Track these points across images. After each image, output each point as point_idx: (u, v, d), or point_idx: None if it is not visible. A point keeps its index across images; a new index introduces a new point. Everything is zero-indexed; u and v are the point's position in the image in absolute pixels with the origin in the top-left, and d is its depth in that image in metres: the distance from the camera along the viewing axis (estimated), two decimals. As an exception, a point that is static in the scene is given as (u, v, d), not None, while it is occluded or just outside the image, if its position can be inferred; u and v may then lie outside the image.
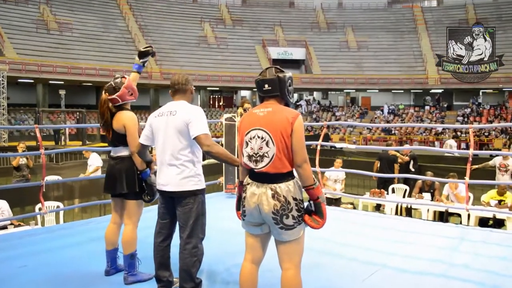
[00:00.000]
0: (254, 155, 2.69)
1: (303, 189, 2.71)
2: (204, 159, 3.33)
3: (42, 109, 23.60)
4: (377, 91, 37.03)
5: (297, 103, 37.49)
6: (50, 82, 28.80)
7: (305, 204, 2.72)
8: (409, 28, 39.09)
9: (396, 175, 8.89)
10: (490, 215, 6.92)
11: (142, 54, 3.90)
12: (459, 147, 23.76)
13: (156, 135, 3.21)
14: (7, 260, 4.07)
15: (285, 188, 2.64)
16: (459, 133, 27.35)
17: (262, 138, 2.67)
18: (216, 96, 40.30)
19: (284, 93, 2.77)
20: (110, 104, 3.56)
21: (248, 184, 2.75)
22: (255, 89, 2.86)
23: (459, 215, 7.49)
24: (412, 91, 37.65)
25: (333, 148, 15.81)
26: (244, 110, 6.74)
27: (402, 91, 37.11)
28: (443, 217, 7.54)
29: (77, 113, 26.15)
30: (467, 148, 21.98)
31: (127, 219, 3.58)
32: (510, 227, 6.71)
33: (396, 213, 7.91)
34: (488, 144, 26.44)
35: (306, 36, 38.88)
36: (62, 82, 28.81)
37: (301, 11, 41.87)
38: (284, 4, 42.41)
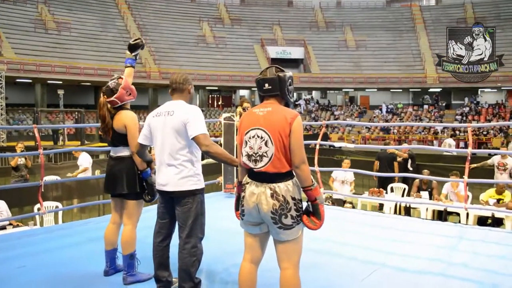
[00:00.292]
0: (254, 154, 2.69)
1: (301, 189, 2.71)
2: (203, 158, 3.32)
3: (40, 109, 23.59)
4: (375, 90, 37.07)
5: (296, 103, 37.51)
6: (49, 82, 28.77)
7: (304, 204, 2.73)
8: (408, 27, 39.12)
9: (396, 174, 8.88)
10: (488, 214, 6.93)
11: (133, 47, 3.87)
12: (457, 146, 23.78)
13: (154, 135, 3.21)
14: (6, 260, 4.06)
15: (284, 187, 2.64)
16: (457, 132, 27.38)
17: (261, 137, 2.67)
18: (215, 96, 40.30)
19: (284, 92, 2.77)
20: (109, 106, 3.56)
21: (247, 183, 2.75)
22: (254, 89, 2.88)
23: (458, 214, 7.49)
24: (410, 90, 37.68)
25: (332, 148, 15.83)
26: (243, 109, 6.74)
27: (401, 90, 37.14)
28: (441, 216, 7.54)
29: (76, 113, 26.13)
30: (466, 147, 22.02)
31: (126, 219, 3.57)
32: (508, 226, 6.71)
33: (395, 212, 7.91)
34: (486, 143, 26.47)
35: (304, 35, 38.90)
36: (61, 82, 28.78)
37: (299, 10, 41.87)
38: (283, 3, 42.41)
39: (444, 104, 34.94)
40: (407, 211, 8.02)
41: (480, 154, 11.19)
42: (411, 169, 9.54)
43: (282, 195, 2.62)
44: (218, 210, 5.67)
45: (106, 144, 3.71)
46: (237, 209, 2.90)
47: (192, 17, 38.43)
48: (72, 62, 29.28)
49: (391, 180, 9.05)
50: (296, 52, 38.11)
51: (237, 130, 6.11)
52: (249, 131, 2.74)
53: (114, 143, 3.60)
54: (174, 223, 3.26)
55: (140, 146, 3.33)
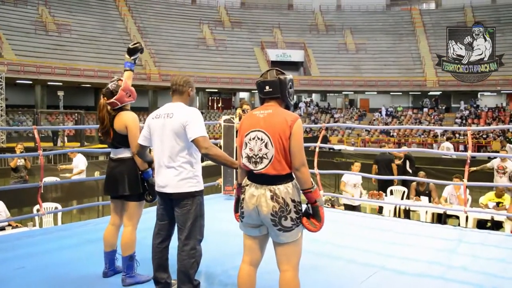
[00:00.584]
0: (254, 156, 2.69)
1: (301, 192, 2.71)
2: (202, 160, 3.32)
3: (40, 110, 23.60)
4: (375, 93, 37.11)
5: (296, 105, 37.54)
6: (49, 83, 28.79)
7: (304, 206, 2.73)
8: (408, 30, 39.18)
9: (395, 176, 8.87)
10: (488, 217, 6.93)
11: (132, 51, 3.87)
12: (457, 149, 23.78)
13: (153, 137, 3.21)
14: (5, 261, 4.06)
15: (284, 190, 2.64)
16: (457, 135, 27.38)
17: (261, 139, 2.67)
18: (215, 98, 40.33)
19: (284, 95, 2.78)
20: (109, 108, 3.56)
21: (247, 185, 2.75)
22: (254, 91, 2.88)
23: (457, 217, 7.50)
24: (410, 93, 37.72)
25: (331, 150, 15.83)
26: (243, 111, 6.74)
27: (401, 93, 37.18)
28: (441, 219, 7.54)
29: (76, 114, 26.13)
30: (465, 150, 22.01)
31: (127, 221, 3.57)
32: (508, 229, 6.71)
33: (395, 215, 7.91)
34: (486, 146, 26.48)
35: (304, 38, 38.94)
36: (61, 83, 28.81)
37: (299, 13, 41.93)
38: (283, 6, 42.48)
39: (444, 108, 34.96)
40: (407, 214, 8.03)
41: (479, 157, 11.21)
42: (410, 171, 9.54)
43: (282, 197, 2.62)
44: (218, 212, 5.66)
45: (105, 146, 3.70)
46: (236, 211, 2.90)
47: (193, 20, 38.49)
48: (72, 63, 29.30)
49: (391, 182, 9.05)
50: (296, 55, 38.16)
51: (237, 132, 6.11)
52: (249, 133, 2.74)
53: (115, 144, 3.60)
54: (174, 225, 3.26)
55: (140, 147, 3.34)
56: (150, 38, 34.89)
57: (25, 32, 29.88)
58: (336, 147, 9.40)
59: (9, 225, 6.09)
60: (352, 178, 8.42)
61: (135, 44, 3.88)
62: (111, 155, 3.68)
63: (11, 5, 31.19)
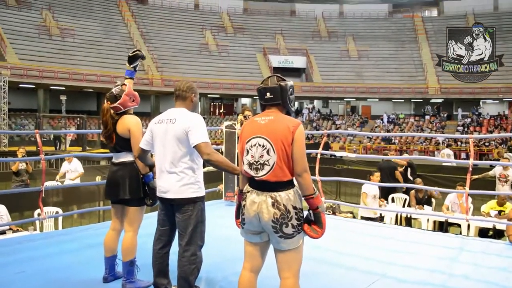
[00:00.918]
0: (255, 163, 2.69)
1: (303, 198, 2.70)
2: (204, 166, 3.32)
3: (42, 115, 23.62)
4: (377, 100, 37.11)
5: (300, 112, 37.58)
6: (51, 87, 28.86)
7: (305, 213, 2.72)
8: (410, 37, 39.24)
9: (400, 184, 8.77)
10: (490, 225, 6.90)
11: (132, 59, 3.86)
12: (459, 157, 23.72)
13: (155, 142, 3.22)
14: (5, 265, 4.05)
15: (285, 196, 2.63)
16: (459, 143, 27.33)
17: (263, 146, 2.67)
18: (217, 104, 40.36)
19: (285, 101, 2.78)
20: (113, 112, 3.57)
21: (248, 192, 2.75)
22: (256, 97, 2.88)
23: (459, 225, 7.47)
24: (412, 100, 37.71)
25: (333, 157, 15.81)
26: (245, 117, 6.74)
27: (403, 100, 37.18)
28: (443, 227, 7.52)
29: (78, 119, 26.17)
30: (467, 158, 21.97)
31: (128, 226, 3.57)
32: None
33: (396, 223, 7.89)
34: (488, 154, 26.42)
35: (307, 44, 39.02)
36: (63, 88, 28.88)
37: (302, 19, 42.04)
38: (285, 12, 42.61)
39: (445, 115, 34.94)
40: (408, 221, 8.00)
41: (481, 165, 11.18)
42: (411, 178, 9.52)
43: (283, 204, 2.62)
44: (218, 218, 5.65)
45: (107, 150, 3.71)
46: (237, 217, 2.89)
47: (195, 25, 38.61)
48: (75, 68, 29.39)
49: (393, 190, 9.02)
50: (298, 61, 38.21)
51: (238, 138, 6.12)
52: (250, 139, 2.74)
53: (117, 148, 3.60)
54: (174, 230, 3.26)
55: (142, 151, 3.34)
56: (152, 43, 35.00)
57: (28, 36, 30.00)
58: (338, 154, 9.38)
59: (10, 229, 6.08)
60: (372, 189, 8.12)
61: (134, 51, 3.87)
62: (113, 159, 3.68)
63: (15, 9, 31.35)
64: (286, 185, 2.66)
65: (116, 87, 3.63)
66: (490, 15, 38.24)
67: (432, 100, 35.99)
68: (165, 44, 35.70)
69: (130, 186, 3.51)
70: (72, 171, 9.70)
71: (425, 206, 8.12)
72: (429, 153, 27.55)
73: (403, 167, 9.69)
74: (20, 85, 27.86)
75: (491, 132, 29.59)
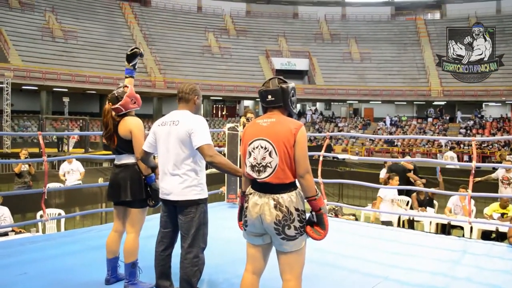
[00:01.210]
0: (257, 165, 2.69)
1: (305, 200, 2.70)
2: (206, 168, 3.32)
3: (45, 116, 23.69)
4: (380, 102, 37.10)
5: (303, 114, 37.57)
6: (54, 89, 28.92)
7: (307, 215, 2.72)
8: (412, 40, 39.23)
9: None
10: (493, 228, 6.88)
11: (130, 57, 3.86)
12: (461, 160, 23.68)
13: (158, 144, 3.22)
14: (7, 267, 4.06)
15: (288, 198, 2.63)
16: (462, 145, 27.29)
17: (265, 148, 2.67)
18: (219, 106, 40.41)
19: (287, 103, 2.78)
20: (114, 114, 3.58)
21: (251, 194, 2.75)
22: (258, 99, 2.87)
23: (461, 228, 7.45)
24: (415, 103, 37.71)
25: (335, 159, 15.81)
26: (247, 119, 6.74)
27: (405, 102, 37.17)
28: (445, 229, 7.50)
29: (81, 121, 26.23)
30: (470, 160, 21.93)
31: (130, 227, 3.57)
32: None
33: (398, 225, 7.86)
34: (490, 157, 26.37)
35: (309, 47, 39.04)
36: (66, 90, 28.94)
37: (305, 22, 42.07)
38: (288, 15, 42.65)
39: (448, 118, 34.91)
40: (411, 224, 7.97)
41: (484, 167, 11.15)
42: (413, 181, 9.48)
43: (286, 206, 2.62)
44: (221, 220, 5.65)
45: (110, 152, 3.72)
46: (240, 219, 2.89)
47: (198, 28, 38.66)
48: (78, 70, 29.45)
49: (402, 191, 8.91)
50: (300, 64, 38.23)
51: (240, 140, 6.12)
52: (252, 141, 2.74)
53: (119, 150, 3.61)
54: (177, 232, 3.26)
55: (145, 153, 3.35)
56: (155, 46, 35.06)
57: (31, 38, 30.08)
58: (340, 156, 9.37)
59: (12, 230, 6.10)
60: (389, 193, 7.76)
61: (133, 49, 3.87)
62: (115, 162, 3.69)
63: (18, 11, 31.45)
64: (289, 187, 2.66)
65: (118, 88, 3.64)
66: (492, 17, 38.17)
67: (435, 103, 35.95)
68: (168, 46, 35.76)
69: (132, 188, 3.52)
70: (74, 171, 9.72)
71: (428, 209, 8.09)
72: (431, 156, 27.51)
73: (411, 171, 9.62)
74: (23, 87, 27.93)
75: (493, 134, 29.54)
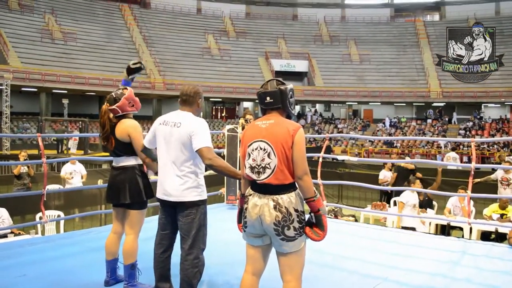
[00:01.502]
0: (257, 166, 2.70)
1: (304, 201, 2.71)
2: (205, 170, 3.32)
3: (45, 118, 23.68)
4: (379, 103, 37.13)
5: (303, 115, 37.58)
6: (54, 91, 28.94)
7: (307, 216, 2.72)
8: (412, 41, 39.30)
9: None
10: (492, 229, 6.88)
11: (132, 71, 3.87)
12: (461, 161, 23.67)
13: (158, 143, 3.22)
14: (7, 269, 4.05)
15: (287, 199, 2.64)
16: (461, 147, 27.30)
17: (264, 149, 2.68)
18: (219, 107, 40.42)
19: (286, 105, 2.79)
20: (111, 115, 3.57)
21: (250, 195, 2.76)
22: (258, 101, 2.87)
23: (461, 229, 7.45)
24: (414, 104, 37.75)
25: (335, 160, 15.80)
26: (246, 121, 6.75)
27: (404, 104, 37.21)
28: (445, 230, 7.49)
29: (80, 122, 26.22)
30: (469, 161, 21.92)
31: (129, 229, 3.57)
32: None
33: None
34: (490, 158, 26.38)
35: (309, 48, 39.09)
36: (66, 91, 28.95)
37: (304, 24, 42.13)
38: (288, 17, 42.71)
39: (447, 119, 34.94)
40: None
41: (484, 168, 11.15)
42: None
43: (285, 207, 2.62)
44: (220, 221, 5.65)
45: (108, 154, 3.72)
46: (239, 221, 2.89)
47: (198, 29, 38.71)
48: (77, 72, 29.47)
49: (398, 193, 8.93)
50: (300, 65, 38.28)
51: (240, 142, 6.12)
52: (252, 143, 2.75)
53: (117, 152, 3.60)
54: (176, 234, 3.26)
55: (145, 148, 3.37)
56: (155, 47, 35.09)
57: (31, 40, 30.12)
58: (340, 157, 9.37)
59: (12, 232, 6.09)
60: (411, 199, 7.54)
61: (137, 65, 3.88)
62: (113, 164, 3.68)
63: (18, 13, 31.48)
64: (288, 188, 2.66)
65: (117, 90, 3.64)
66: (491, 19, 38.23)
67: (434, 104, 35.99)
68: (168, 48, 35.79)
69: (130, 191, 3.51)
70: (77, 172, 9.71)
71: (428, 210, 8.08)
72: (430, 157, 27.51)
73: (415, 171, 9.59)
74: (23, 89, 27.95)
75: (493, 135, 29.56)
